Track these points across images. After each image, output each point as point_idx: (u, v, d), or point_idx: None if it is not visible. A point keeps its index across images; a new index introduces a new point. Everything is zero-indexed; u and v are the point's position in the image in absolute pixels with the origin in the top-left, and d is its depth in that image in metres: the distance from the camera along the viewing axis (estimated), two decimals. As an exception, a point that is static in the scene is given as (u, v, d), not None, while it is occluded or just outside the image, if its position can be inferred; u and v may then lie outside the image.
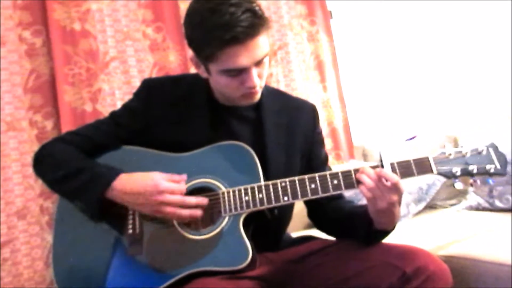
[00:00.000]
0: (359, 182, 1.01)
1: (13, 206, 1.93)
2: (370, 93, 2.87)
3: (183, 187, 1.03)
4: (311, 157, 1.22)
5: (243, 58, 0.98)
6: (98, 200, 1.03)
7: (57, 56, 2.04)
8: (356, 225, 1.11)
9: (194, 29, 1.01)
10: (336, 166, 2.43)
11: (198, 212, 1.03)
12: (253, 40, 0.98)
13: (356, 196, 1.98)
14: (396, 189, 0.98)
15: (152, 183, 1.02)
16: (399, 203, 1.02)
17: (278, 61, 2.54)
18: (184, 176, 1.05)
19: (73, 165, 1.08)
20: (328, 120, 2.62)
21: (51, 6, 2.04)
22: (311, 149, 1.22)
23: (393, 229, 1.09)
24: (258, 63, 1.02)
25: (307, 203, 1.24)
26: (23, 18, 2.03)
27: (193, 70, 2.28)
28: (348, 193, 1.98)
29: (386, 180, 0.97)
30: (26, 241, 1.93)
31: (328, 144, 2.58)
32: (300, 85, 2.57)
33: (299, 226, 1.93)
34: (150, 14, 2.26)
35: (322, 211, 1.21)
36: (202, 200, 1.03)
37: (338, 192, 1.05)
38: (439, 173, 1.01)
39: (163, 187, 1.01)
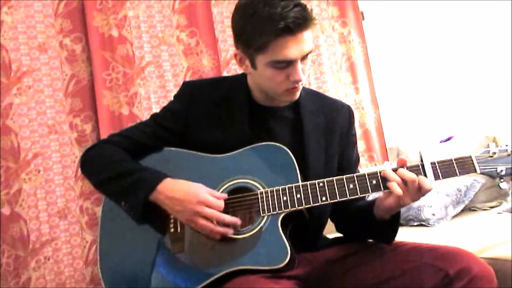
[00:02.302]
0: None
1: (54, 206, 2.00)
2: (403, 94, 2.82)
3: (222, 204, 1.04)
4: (343, 158, 1.22)
5: (292, 50, 1.01)
6: (143, 201, 1.05)
7: (96, 61, 2.11)
8: (363, 220, 1.12)
9: (246, 21, 1.03)
10: (369, 168, 2.41)
11: (230, 231, 1.03)
12: (302, 33, 1.01)
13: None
14: (425, 192, 0.99)
15: (194, 192, 1.04)
16: None
17: (310, 63, 2.53)
18: (224, 195, 1.06)
19: (121, 166, 1.11)
20: (360, 122, 2.59)
21: (91, 13, 2.12)
22: (344, 150, 1.22)
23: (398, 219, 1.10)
24: (303, 58, 1.05)
25: (334, 205, 1.21)
26: (64, 25, 2.11)
27: (225, 74, 2.32)
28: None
29: (420, 187, 0.98)
30: (67, 240, 2.00)
31: (360, 146, 2.56)
32: (332, 87, 2.57)
33: (333, 229, 1.91)
34: (184, 20, 2.31)
35: (344, 213, 1.20)
36: (237, 220, 1.04)
37: (377, 192, 1.04)
38: (483, 173, 0.98)
39: (203, 198, 1.03)
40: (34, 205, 1.97)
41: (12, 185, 1.95)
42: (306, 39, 1.02)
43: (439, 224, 2.00)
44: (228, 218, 1.03)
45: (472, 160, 0.98)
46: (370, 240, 1.19)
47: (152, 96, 2.21)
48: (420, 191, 0.98)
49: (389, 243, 1.12)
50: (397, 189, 0.98)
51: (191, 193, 1.04)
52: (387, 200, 1.03)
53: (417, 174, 0.98)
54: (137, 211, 1.06)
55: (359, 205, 1.16)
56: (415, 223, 2.07)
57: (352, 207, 1.17)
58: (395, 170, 1.01)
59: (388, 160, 2.54)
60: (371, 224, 1.10)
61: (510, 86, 2.43)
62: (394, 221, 1.08)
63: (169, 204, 1.05)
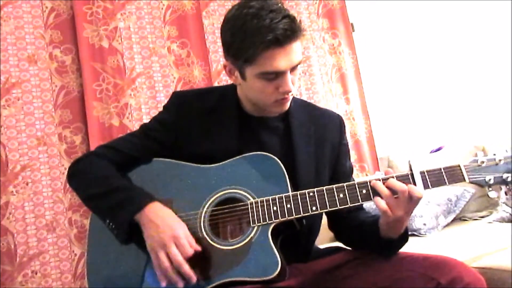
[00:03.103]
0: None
1: (43, 219, 1.97)
2: (394, 104, 2.84)
3: (191, 252, 1.00)
4: (336, 168, 1.22)
5: (281, 62, 1.01)
6: (128, 221, 1.03)
7: (86, 73, 2.10)
8: (368, 235, 1.10)
9: (235, 33, 1.03)
10: (360, 178, 2.41)
11: (181, 284, 0.99)
12: (291, 44, 1.01)
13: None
14: (417, 201, 0.98)
15: (172, 226, 1.02)
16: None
17: (301, 74, 2.55)
18: (198, 247, 1.02)
19: (107, 183, 1.09)
20: (351, 132, 2.60)
21: (81, 24, 2.12)
22: (336, 160, 1.22)
23: (406, 238, 1.08)
24: (293, 69, 1.05)
25: (328, 214, 1.22)
26: (53, 37, 2.11)
27: (217, 84, 2.32)
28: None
29: (411, 197, 0.97)
30: (55, 254, 1.97)
31: (352, 156, 2.56)
32: (323, 97, 2.58)
33: (326, 239, 1.91)
34: (175, 31, 2.32)
35: (342, 222, 1.20)
36: (193, 277, 0.99)
37: (367, 202, 1.04)
38: (472, 182, 0.98)
39: (177, 234, 1.00)
40: (21, 218, 1.94)
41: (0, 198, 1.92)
42: (295, 50, 1.03)
43: (430, 233, 2.01)
44: (186, 268, 0.98)
45: (460, 169, 0.99)
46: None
47: (143, 107, 2.20)
48: (411, 201, 0.98)
49: (387, 257, 1.11)
50: (381, 204, 0.98)
51: (169, 225, 1.01)
52: (381, 218, 1.03)
53: (406, 184, 0.98)
54: (121, 231, 1.04)
55: (363, 220, 1.15)
56: (407, 233, 2.06)
57: (355, 220, 1.16)
58: (385, 181, 1.01)
59: (379, 170, 2.54)
60: (376, 242, 1.08)
61: (510, 91, 2.46)
62: (399, 240, 1.07)
63: (147, 226, 1.02)
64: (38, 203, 1.98)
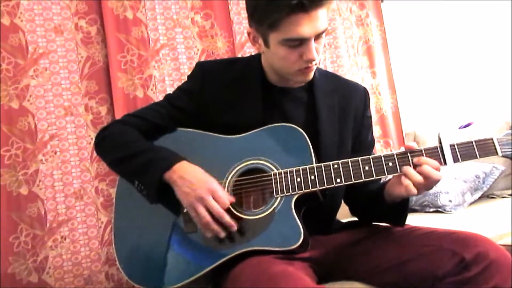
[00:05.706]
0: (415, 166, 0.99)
1: (71, 187, 2.03)
2: (421, 78, 2.76)
3: (228, 203, 1.02)
4: (357, 140, 1.20)
5: (306, 28, 0.99)
6: (158, 179, 1.04)
7: (111, 44, 2.11)
8: (373, 201, 1.11)
9: None
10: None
11: (222, 234, 1.02)
12: (317, 10, 0.99)
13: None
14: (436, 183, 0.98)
15: (207, 180, 1.03)
16: None
17: (326, 46, 2.49)
18: (232, 198, 1.04)
19: (136, 145, 1.10)
20: (377, 107, 2.55)
21: (105, -5, 2.11)
22: (358, 132, 1.20)
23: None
24: (317, 37, 1.03)
25: (346, 188, 1.21)
26: (79, 7, 2.11)
27: (240, 56, 2.30)
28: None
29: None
30: (83, 221, 2.03)
31: (376, 131, 2.52)
32: (348, 71, 2.52)
33: (347, 214, 1.90)
34: (198, 2, 2.29)
35: (354, 194, 1.19)
36: (234, 225, 1.02)
37: (393, 174, 1.02)
38: (505, 156, 0.95)
39: (213, 188, 1.02)
40: (51, 186, 2.00)
41: (30, 166, 1.98)
42: (321, 17, 1.00)
43: (455, 210, 1.97)
44: (227, 217, 1.01)
45: (493, 142, 0.96)
46: (385, 224, 1.18)
47: (167, 79, 2.20)
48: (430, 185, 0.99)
49: (401, 225, 1.11)
50: (413, 189, 0.98)
51: (204, 180, 1.03)
52: (397, 189, 1.02)
53: (437, 161, 0.98)
54: (151, 189, 1.05)
55: (370, 188, 1.15)
56: (431, 209, 2.04)
57: (364, 190, 1.16)
58: (412, 155, 0.99)
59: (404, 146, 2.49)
60: (382, 207, 1.09)
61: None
62: (404, 203, 1.08)
63: (179, 184, 1.03)
64: (66, 171, 2.03)
